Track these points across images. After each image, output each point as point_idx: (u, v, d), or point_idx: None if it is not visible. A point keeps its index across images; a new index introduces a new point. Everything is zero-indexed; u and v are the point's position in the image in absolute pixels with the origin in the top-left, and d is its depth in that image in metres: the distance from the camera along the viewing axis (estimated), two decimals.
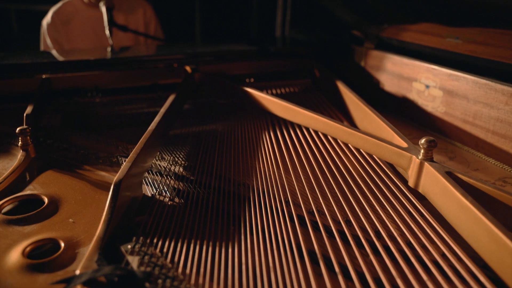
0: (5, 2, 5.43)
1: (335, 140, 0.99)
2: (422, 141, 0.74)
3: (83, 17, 2.19)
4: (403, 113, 1.32)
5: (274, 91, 1.41)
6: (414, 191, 0.77)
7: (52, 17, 2.18)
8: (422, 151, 0.75)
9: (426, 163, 0.74)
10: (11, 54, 1.47)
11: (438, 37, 1.24)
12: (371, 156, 0.91)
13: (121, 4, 2.26)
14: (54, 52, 1.57)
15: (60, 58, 1.44)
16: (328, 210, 0.71)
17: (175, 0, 3.18)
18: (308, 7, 2.32)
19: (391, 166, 0.88)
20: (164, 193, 0.78)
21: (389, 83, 1.37)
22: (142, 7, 2.33)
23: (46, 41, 2.21)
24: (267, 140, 1.03)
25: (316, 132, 1.04)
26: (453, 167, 0.97)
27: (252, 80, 1.46)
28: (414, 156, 0.78)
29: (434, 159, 0.76)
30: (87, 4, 2.19)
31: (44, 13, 2.26)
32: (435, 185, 0.71)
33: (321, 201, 0.74)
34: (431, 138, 0.74)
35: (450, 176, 0.70)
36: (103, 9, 1.88)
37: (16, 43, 4.87)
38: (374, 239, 0.62)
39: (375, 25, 1.46)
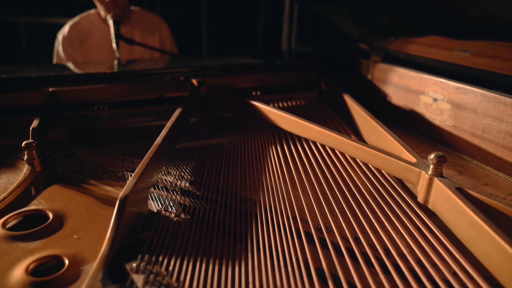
0: (14, 15, 5.50)
1: (343, 154, 0.98)
2: (432, 156, 0.73)
3: (99, 34, 2.21)
4: (410, 126, 1.31)
5: (280, 104, 1.41)
6: (424, 207, 0.76)
7: (69, 32, 2.19)
8: (431, 166, 0.74)
9: (435, 178, 0.73)
10: (19, 67, 1.47)
11: (445, 50, 1.23)
12: (379, 171, 0.89)
13: (139, 24, 2.28)
14: (61, 65, 1.57)
15: (67, 71, 1.44)
16: (336, 226, 0.70)
17: (182, 13, 3.20)
18: (314, 20, 2.32)
19: (400, 182, 0.87)
20: (170, 209, 0.77)
21: (396, 96, 1.36)
22: (159, 26, 2.35)
23: (59, 53, 2.22)
24: (274, 154, 1.02)
25: (323, 146, 1.03)
26: (462, 181, 0.96)
27: (258, 93, 1.46)
28: (423, 172, 0.76)
29: (443, 174, 0.74)
30: (104, 20, 2.21)
31: (52, 26, 2.28)
32: (445, 201, 0.70)
33: (329, 217, 0.73)
34: (441, 153, 0.73)
35: (461, 192, 0.68)
36: (110, 22, 1.89)
37: (24, 56, 4.92)
38: (384, 257, 0.61)
39: (381, 38, 1.46)
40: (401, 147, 0.88)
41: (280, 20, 2.51)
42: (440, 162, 0.73)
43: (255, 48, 2.84)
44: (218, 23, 3.05)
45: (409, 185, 0.87)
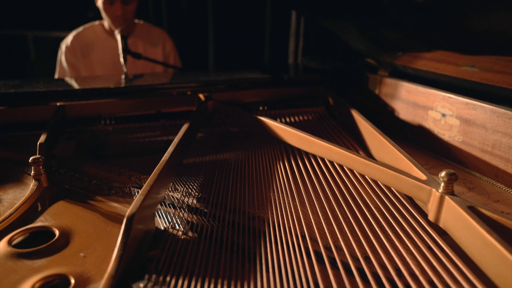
0: (23, 29, 5.57)
1: (351, 171, 0.97)
2: (442, 174, 0.72)
3: (103, 46, 2.22)
4: (418, 141, 1.30)
5: (287, 119, 1.41)
6: (435, 225, 0.75)
7: (72, 42, 2.21)
8: (442, 184, 0.73)
9: (446, 197, 0.72)
10: (27, 81, 1.48)
11: (453, 66, 1.23)
12: (389, 188, 0.88)
13: (142, 36, 2.29)
14: (68, 80, 1.58)
15: (75, 85, 1.45)
16: (346, 245, 0.69)
17: (188, 28, 3.22)
18: (321, 35, 2.33)
19: (410, 199, 0.85)
20: (177, 227, 0.76)
21: (404, 111, 1.35)
22: (162, 40, 2.36)
23: (62, 63, 2.23)
24: (282, 170, 1.01)
25: (331, 162, 1.02)
26: (473, 198, 0.95)
27: (265, 108, 1.45)
28: (434, 190, 0.75)
29: (454, 191, 0.73)
30: (108, 32, 2.22)
31: (61, 39, 2.30)
32: (457, 220, 0.69)
33: (339, 235, 0.72)
34: (452, 171, 0.72)
35: (473, 211, 0.67)
36: (118, 37, 1.91)
37: (33, 69, 4.96)
38: (395, 277, 0.59)
39: (389, 53, 1.46)
40: (411, 163, 0.87)
41: (286, 34, 2.52)
42: (451, 180, 0.72)
43: (262, 63, 2.85)
44: (225, 37, 3.06)
45: (420, 203, 0.85)
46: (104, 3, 2.04)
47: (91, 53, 2.22)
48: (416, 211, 0.78)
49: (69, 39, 2.23)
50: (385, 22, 1.33)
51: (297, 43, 2.38)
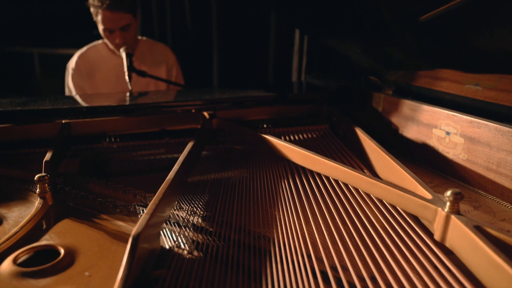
0: (28, 46, 5.64)
1: (356, 189, 0.97)
2: (448, 193, 0.72)
3: (107, 64, 2.24)
4: (423, 159, 1.29)
5: (291, 137, 1.41)
6: (441, 245, 0.74)
7: (77, 63, 2.23)
8: (448, 203, 0.73)
9: (452, 216, 0.72)
10: (33, 98, 1.49)
11: (457, 84, 1.23)
12: (394, 207, 0.88)
13: (145, 51, 2.32)
14: (74, 98, 1.60)
15: (80, 103, 1.46)
16: (352, 265, 0.68)
17: (193, 45, 3.26)
18: (324, 53, 2.35)
19: (415, 218, 0.85)
20: (182, 246, 0.76)
21: (408, 129, 1.35)
22: (165, 55, 2.38)
23: (69, 85, 2.25)
24: (287, 188, 1.01)
25: (336, 181, 1.02)
26: (478, 217, 0.95)
27: (269, 125, 1.46)
28: (439, 209, 0.75)
29: (460, 210, 0.73)
30: (111, 50, 2.25)
31: (66, 57, 2.33)
32: (463, 240, 0.68)
33: (344, 255, 0.71)
34: (457, 190, 0.72)
35: (479, 230, 0.67)
36: (123, 55, 1.93)
37: (38, 86, 5.00)
38: None
39: (392, 71, 1.47)
40: (416, 182, 0.87)
41: (290, 52, 2.54)
42: (457, 199, 0.71)
43: (265, 80, 2.87)
44: (229, 54, 3.09)
45: (425, 222, 0.85)
46: (104, 31, 2.07)
47: (96, 72, 2.25)
48: (422, 231, 0.78)
49: (73, 60, 2.26)
50: (389, 40, 1.34)
51: (301, 61, 2.40)
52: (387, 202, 0.90)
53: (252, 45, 2.97)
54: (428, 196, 0.80)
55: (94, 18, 2.08)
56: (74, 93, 2.23)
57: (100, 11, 1.98)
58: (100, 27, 2.06)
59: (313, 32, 2.00)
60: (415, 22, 1.18)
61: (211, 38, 3.12)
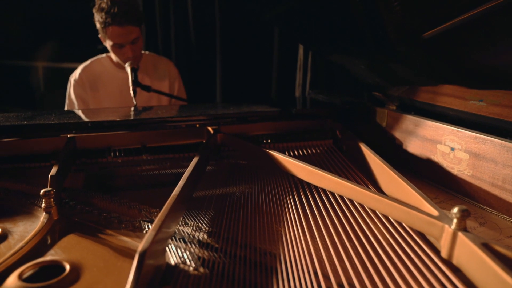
0: (34, 60, 5.70)
1: (362, 205, 0.97)
2: (455, 210, 0.72)
3: (111, 78, 2.25)
4: (427, 175, 1.29)
5: (296, 152, 1.41)
6: (448, 262, 0.74)
7: (80, 75, 2.23)
8: (455, 220, 0.73)
9: (459, 233, 0.71)
10: (39, 113, 1.50)
11: (461, 100, 1.24)
12: (400, 223, 0.88)
13: (148, 65, 2.33)
14: (79, 112, 1.61)
15: (85, 118, 1.47)
16: (358, 282, 0.68)
17: (196, 60, 3.28)
18: (328, 68, 2.36)
19: (421, 235, 0.85)
20: (188, 262, 0.76)
21: (412, 145, 1.35)
22: (168, 69, 2.39)
23: (71, 96, 2.25)
24: (292, 204, 1.01)
25: (341, 197, 1.02)
26: (485, 233, 0.94)
27: (273, 140, 1.46)
28: (446, 226, 0.75)
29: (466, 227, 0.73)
30: (116, 64, 2.25)
31: (70, 70, 2.34)
32: (470, 257, 0.68)
33: (351, 272, 0.71)
34: (464, 207, 0.72)
35: (487, 248, 0.66)
36: (128, 70, 1.94)
37: (42, 100, 5.03)
38: None
39: (396, 86, 1.47)
40: (422, 199, 0.87)
41: (294, 67, 2.56)
42: (464, 216, 0.71)
43: (269, 95, 2.88)
44: (232, 70, 3.11)
45: (432, 239, 0.85)
46: (113, 46, 2.07)
47: (99, 85, 2.25)
48: (429, 248, 0.77)
49: (77, 72, 2.26)
50: (393, 57, 1.35)
51: (305, 76, 2.41)
52: (393, 219, 0.89)
53: (256, 60, 2.98)
54: (435, 212, 0.80)
55: (101, 34, 2.09)
56: (75, 105, 2.23)
57: (110, 27, 1.98)
58: (109, 43, 2.06)
59: (317, 48, 2.01)
60: (418, 39, 1.19)
61: (214, 53, 3.15)
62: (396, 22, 1.21)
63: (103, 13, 1.97)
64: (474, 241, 0.68)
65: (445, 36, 1.09)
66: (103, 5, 1.98)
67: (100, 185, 1.21)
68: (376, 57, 1.41)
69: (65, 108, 2.30)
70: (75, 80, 2.24)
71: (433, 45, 1.17)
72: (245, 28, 3.01)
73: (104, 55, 2.31)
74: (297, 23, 1.66)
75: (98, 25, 2.04)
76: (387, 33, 1.25)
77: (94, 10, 2.03)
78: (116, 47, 2.07)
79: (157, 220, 0.75)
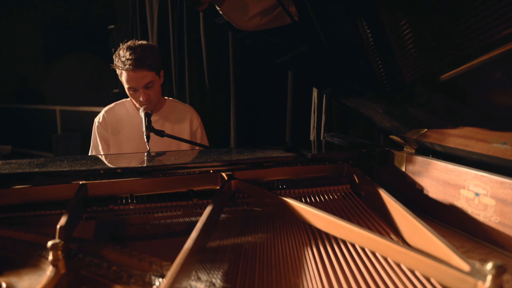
0: (51, 104, 5.85)
1: (385, 258, 0.91)
2: (489, 267, 0.66)
3: (132, 121, 2.27)
4: (450, 222, 1.23)
5: (312, 199, 1.37)
6: None
7: (103, 116, 2.28)
8: (489, 277, 0.67)
9: None
10: (52, 159, 1.50)
11: (483, 142, 1.19)
12: (427, 278, 0.82)
13: (169, 112, 2.34)
14: (92, 158, 1.59)
15: (97, 165, 1.45)
16: None
17: (211, 103, 3.30)
18: (343, 111, 2.34)
19: None
20: None
21: (434, 190, 1.30)
22: (190, 115, 2.40)
23: (95, 139, 2.29)
24: (310, 256, 0.96)
25: (362, 248, 0.97)
26: None
27: (289, 186, 1.42)
28: (480, 282, 0.69)
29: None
30: (137, 108, 2.28)
31: (85, 114, 2.37)
32: None
33: None
34: (499, 262, 0.66)
35: None
36: (142, 114, 1.94)
37: (58, 142, 5.10)
38: None
39: (414, 130, 1.44)
40: (450, 250, 0.81)
41: (308, 110, 2.54)
42: (499, 273, 0.66)
43: (283, 138, 2.85)
44: (246, 112, 3.12)
45: None
46: (129, 90, 2.12)
47: (120, 128, 2.27)
48: None
49: (100, 114, 2.31)
50: (410, 100, 1.32)
51: (320, 119, 2.39)
52: (419, 273, 0.84)
53: (270, 103, 2.99)
54: (465, 267, 0.74)
55: (120, 78, 2.15)
56: (99, 146, 2.25)
57: (123, 71, 2.04)
58: (126, 86, 2.12)
59: (331, 92, 2.00)
60: (436, 82, 1.17)
61: (228, 96, 3.17)
62: (412, 65, 1.20)
63: (117, 58, 2.04)
64: None
65: (463, 78, 1.07)
66: (120, 51, 2.05)
67: (110, 234, 1.17)
68: (393, 100, 1.39)
69: (90, 152, 2.31)
70: (98, 122, 2.28)
71: (451, 87, 1.15)
72: (258, 71, 3.03)
73: (128, 99, 2.35)
74: (310, 67, 1.65)
75: (117, 70, 2.10)
76: (404, 77, 1.24)
77: (114, 56, 2.10)
78: (131, 91, 2.11)
79: (169, 277, 0.71)
